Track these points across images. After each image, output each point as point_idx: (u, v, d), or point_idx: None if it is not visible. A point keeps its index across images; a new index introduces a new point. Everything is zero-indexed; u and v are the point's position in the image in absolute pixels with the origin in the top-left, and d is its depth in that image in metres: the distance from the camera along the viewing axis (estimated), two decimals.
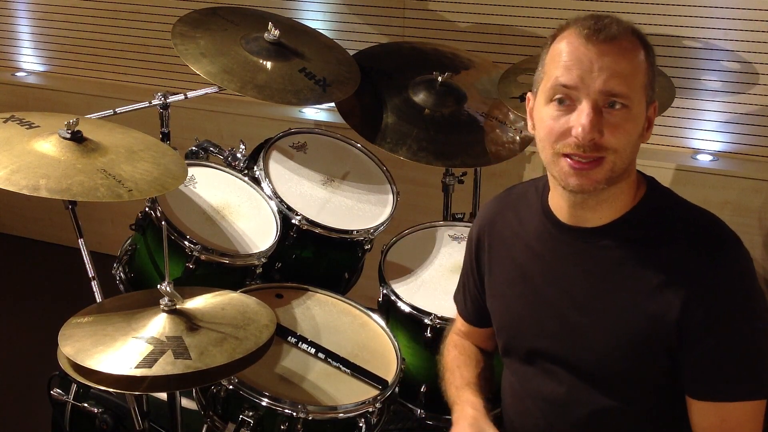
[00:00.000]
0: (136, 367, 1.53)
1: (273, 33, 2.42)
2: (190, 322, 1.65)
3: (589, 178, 1.34)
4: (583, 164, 1.33)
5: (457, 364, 1.71)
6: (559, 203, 1.46)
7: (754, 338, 1.35)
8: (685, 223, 1.40)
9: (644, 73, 1.35)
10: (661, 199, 1.44)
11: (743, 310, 1.34)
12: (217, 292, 1.82)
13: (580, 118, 1.31)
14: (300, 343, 1.98)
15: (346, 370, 1.95)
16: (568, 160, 1.34)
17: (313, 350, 1.97)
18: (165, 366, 1.53)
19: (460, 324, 1.79)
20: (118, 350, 1.57)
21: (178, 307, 1.67)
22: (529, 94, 1.47)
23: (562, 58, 1.34)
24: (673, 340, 1.36)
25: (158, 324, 1.64)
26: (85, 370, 1.56)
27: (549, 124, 1.36)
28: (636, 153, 1.39)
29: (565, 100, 1.34)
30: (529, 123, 1.46)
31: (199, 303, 1.74)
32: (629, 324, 1.38)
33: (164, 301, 1.66)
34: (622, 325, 1.39)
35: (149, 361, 1.54)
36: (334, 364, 1.95)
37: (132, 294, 2.07)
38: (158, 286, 1.67)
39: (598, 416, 1.45)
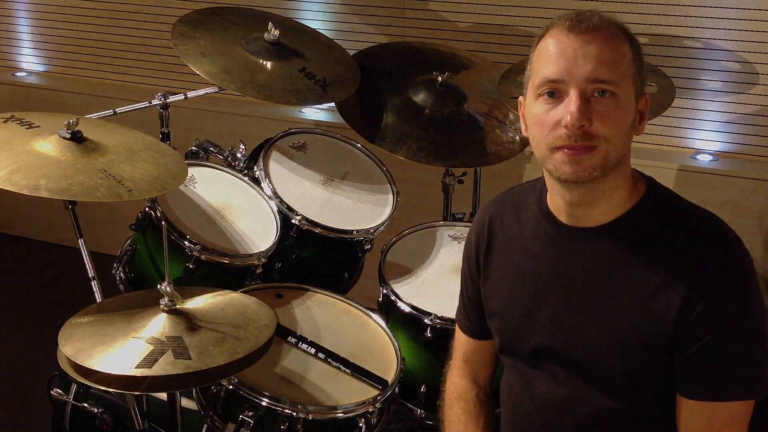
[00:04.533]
0: (136, 367, 1.53)
1: (273, 33, 2.42)
2: (190, 322, 1.65)
3: (583, 165, 1.34)
4: (576, 151, 1.33)
5: (462, 427, 1.66)
6: (557, 203, 1.46)
7: (749, 338, 1.35)
8: (685, 222, 1.40)
9: (630, 63, 1.36)
10: (661, 198, 1.44)
11: (741, 310, 1.34)
12: (217, 292, 1.82)
13: (569, 106, 1.32)
14: (300, 343, 1.98)
15: (346, 370, 1.95)
16: (562, 151, 1.35)
17: (313, 350, 1.97)
18: (165, 366, 1.53)
19: (463, 344, 1.74)
20: (118, 350, 1.57)
21: (178, 307, 1.67)
22: (520, 98, 1.48)
23: (547, 54, 1.36)
24: (672, 340, 1.36)
25: (158, 324, 1.64)
26: (85, 370, 1.56)
27: (540, 118, 1.37)
28: (629, 145, 1.39)
29: (554, 93, 1.35)
30: (522, 126, 1.47)
31: (199, 303, 1.74)
32: (629, 323, 1.38)
33: (164, 301, 1.66)
34: (622, 324, 1.39)
35: (149, 361, 1.54)
36: (334, 364, 1.95)
37: (132, 294, 2.07)
38: (158, 286, 1.67)
39: (599, 418, 1.45)
